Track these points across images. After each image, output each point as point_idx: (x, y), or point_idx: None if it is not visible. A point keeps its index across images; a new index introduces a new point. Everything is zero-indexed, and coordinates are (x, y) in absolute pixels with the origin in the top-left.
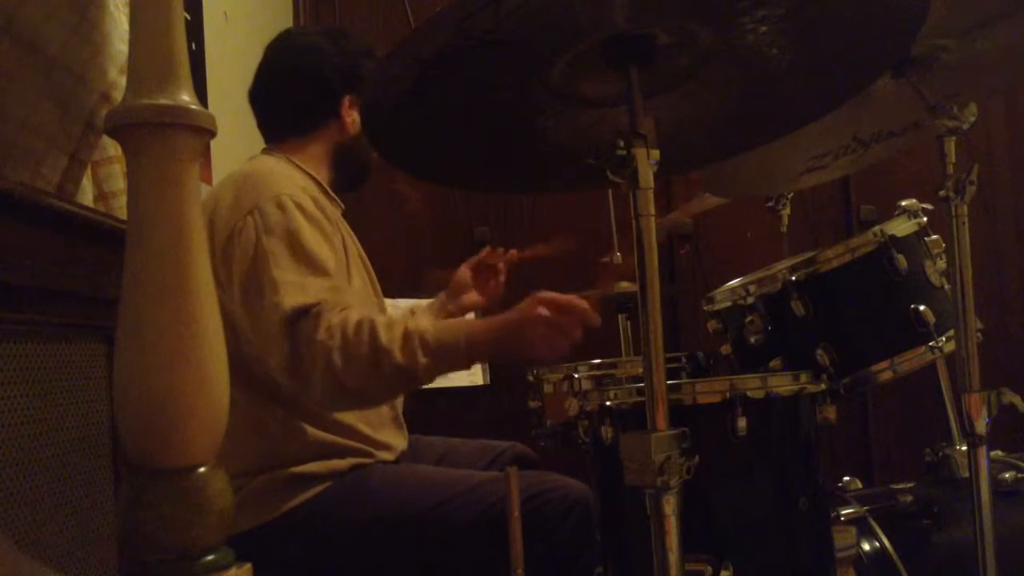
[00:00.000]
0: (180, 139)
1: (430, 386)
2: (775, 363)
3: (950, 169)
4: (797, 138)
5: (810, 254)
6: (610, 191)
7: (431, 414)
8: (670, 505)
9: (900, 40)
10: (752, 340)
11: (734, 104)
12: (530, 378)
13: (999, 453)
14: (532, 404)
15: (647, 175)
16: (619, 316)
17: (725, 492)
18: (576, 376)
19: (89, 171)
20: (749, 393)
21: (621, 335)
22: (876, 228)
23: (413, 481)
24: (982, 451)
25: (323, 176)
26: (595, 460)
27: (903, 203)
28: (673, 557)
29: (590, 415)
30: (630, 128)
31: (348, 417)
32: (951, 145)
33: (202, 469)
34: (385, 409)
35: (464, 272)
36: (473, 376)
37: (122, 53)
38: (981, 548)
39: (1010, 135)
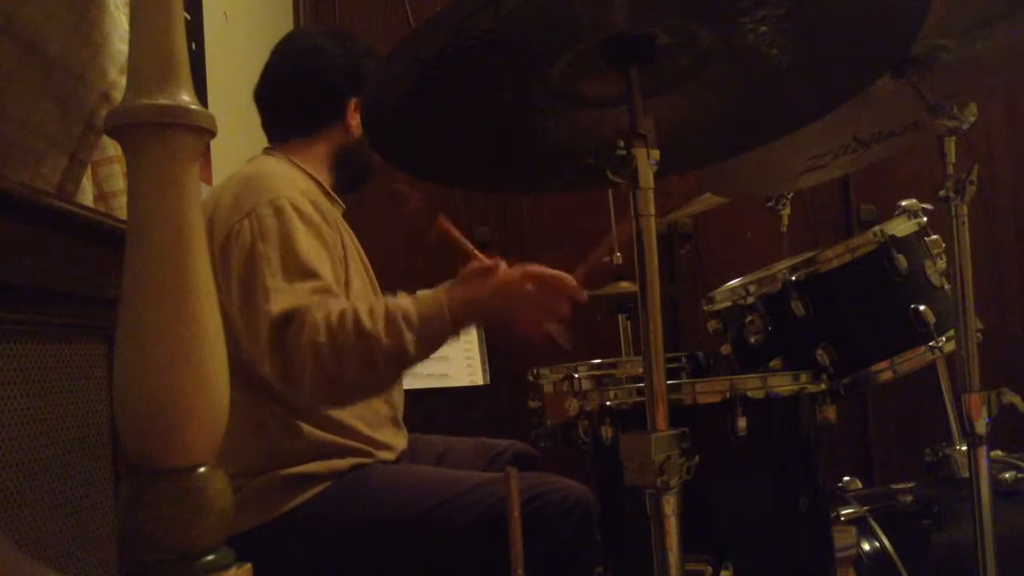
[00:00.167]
0: (180, 139)
1: (430, 386)
2: (775, 363)
3: (950, 169)
4: (797, 138)
5: (810, 254)
6: (610, 191)
7: (431, 414)
8: (670, 505)
9: (900, 40)
10: (752, 340)
11: (734, 104)
12: (530, 378)
13: (999, 453)
14: (532, 404)
15: (647, 175)
16: (619, 316)
17: (725, 492)
18: (576, 376)
19: (89, 171)
20: (749, 393)
21: (621, 335)
22: (876, 228)
23: (413, 481)
24: (982, 451)
25: (324, 177)
26: (595, 460)
27: (903, 203)
28: (673, 557)
29: (590, 415)
30: (630, 128)
31: (347, 417)
32: (951, 145)
33: (202, 469)
34: (384, 409)
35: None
36: (473, 376)
37: (122, 53)
38: (981, 548)
39: (1010, 135)
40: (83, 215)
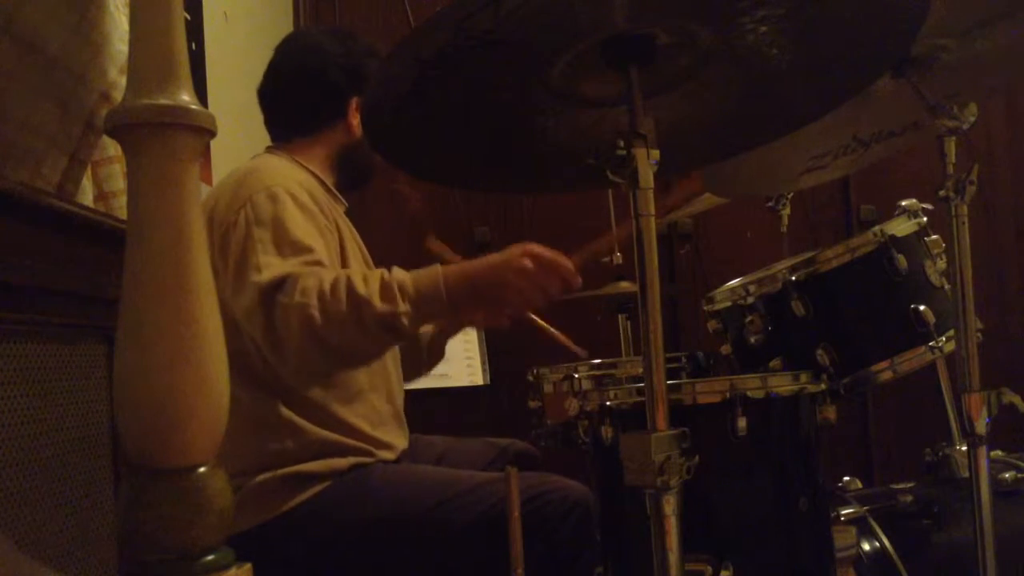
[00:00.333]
0: (180, 139)
1: (430, 386)
2: (775, 363)
3: (950, 169)
4: (797, 138)
5: (810, 254)
6: (610, 191)
7: (431, 414)
8: (670, 505)
9: (900, 40)
10: (752, 340)
11: (734, 104)
12: (530, 378)
13: (999, 453)
14: (532, 404)
15: (647, 175)
16: (619, 316)
17: (725, 492)
18: (576, 376)
19: (89, 171)
20: (749, 393)
21: (621, 335)
22: (876, 228)
23: (413, 481)
24: (982, 451)
25: (326, 176)
26: (595, 460)
27: (903, 203)
28: (673, 557)
29: (590, 415)
30: (630, 128)
31: (349, 415)
32: (951, 145)
33: (202, 469)
34: (386, 407)
35: None
36: (473, 376)
37: (122, 53)
38: (981, 548)
39: (1010, 135)
40: (83, 215)
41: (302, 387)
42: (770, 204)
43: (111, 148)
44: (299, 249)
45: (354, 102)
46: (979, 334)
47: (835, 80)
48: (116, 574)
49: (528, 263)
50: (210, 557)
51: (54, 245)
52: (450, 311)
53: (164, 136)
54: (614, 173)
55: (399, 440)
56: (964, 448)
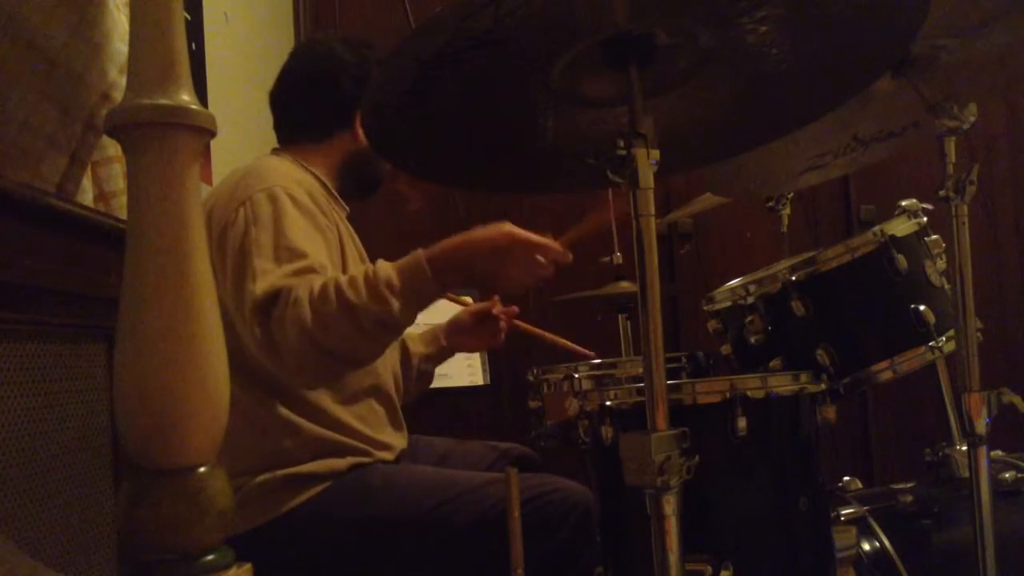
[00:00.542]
0: (180, 139)
1: (430, 386)
2: (775, 363)
3: (950, 169)
4: (797, 138)
5: (810, 254)
6: (610, 191)
7: (431, 414)
8: (670, 505)
9: (900, 40)
10: (752, 340)
11: (734, 104)
12: (530, 378)
13: (999, 453)
14: (532, 404)
15: (647, 175)
16: (619, 316)
17: (725, 492)
18: (576, 376)
19: (89, 171)
20: (749, 393)
21: (621, 335)
22: (876, 228)
23: (413, 482)
24: (982, 451)
25: (330, 181)
26: (595, 460)
27: (903, 203)
28: (673, 557)
29: (590, 415)
30: (630, 128)
31: (347, 416)
32: (951, 145)
33: (202, 469)
34: (383, 408)
35: (465, 317)
36: (473, 376)
37: (122, 53)
38: (981, 548)
39: (1010, 135)
40: (83, 215)
41: (309, 390)
42: (770, 204)
43: (111, 148)
44: (294, 255)
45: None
46: (979, 334)
47: (835, 80)
48: (116, 574)
49: (517, 250)
50: (210, 557)
51: (54, 245)
52: (441, 292)
53: (164, 136)
54: (614, 173)
55: (397, 441)
56: (964, 448)
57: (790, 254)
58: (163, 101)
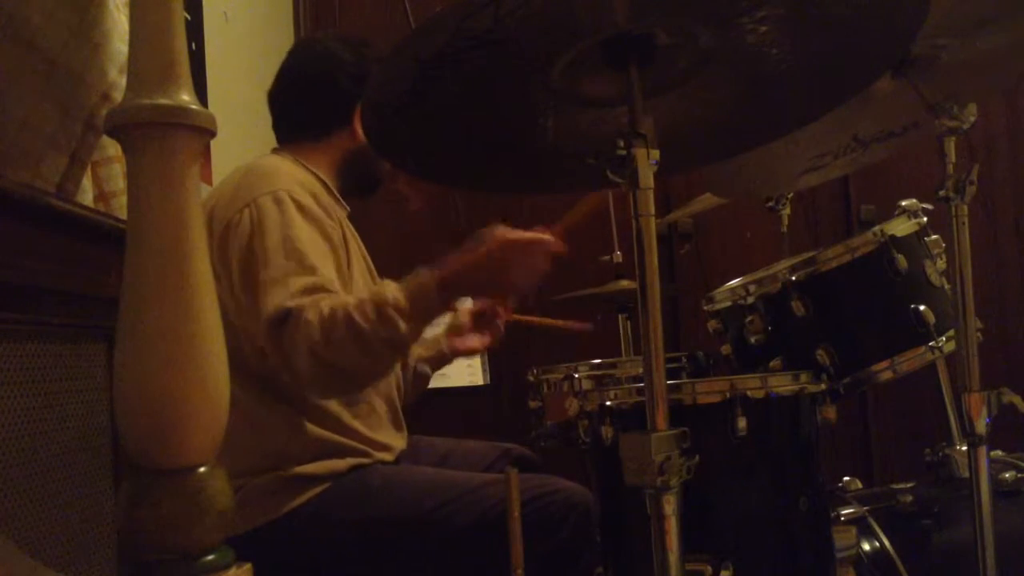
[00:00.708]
0: (180, 139)
1: (430, 386)
2: (775, 363)
3: (950, 169)
4: (797, 138)
5: (810, 254)
6: (610, 191)
7: (431, 414)
8: (670, 505)
9: (900, 40)
10: (752, 340)
11: (734, 104)
12: (530, 378)
13: (999, 453)
14: (532, 404)
15: (647, 175)
16: (619, 316)
17: (725, 492)
18: (576, 376)
19: (89, 171)
20: (749, 393)
21: (621, 335)
22: (876, 228)
23: (413, 483)
24: (982, 451)
25: (331, 180)
26: (595, 460)
27: (903, 203)
28: (673, 557)
29: (590, 415)
30: (630, 128)
31: (347, 417)
32: (951, 145)
33: (202, 469)
34: (383, 409)
35: (463, 319)
36: (473, 376)
37: (122, 53)
38: (981, 548)
39: (1010, 135)
40: (83, 215)
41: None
42: (770, 204)
43: (111, 148)
44: (304, 268)
45: (360, 109)
46: (979, 334)
47: (835, 80)
48: (116, 574)
49: (513, 252)
50: (210, 557)
51: (54, 245)
52: (445, 311)
53: (164, 136)
54: (614, 173)
55: (397, 441)
56: (964, 448)
57: (790, 254)
58: (163, 101)
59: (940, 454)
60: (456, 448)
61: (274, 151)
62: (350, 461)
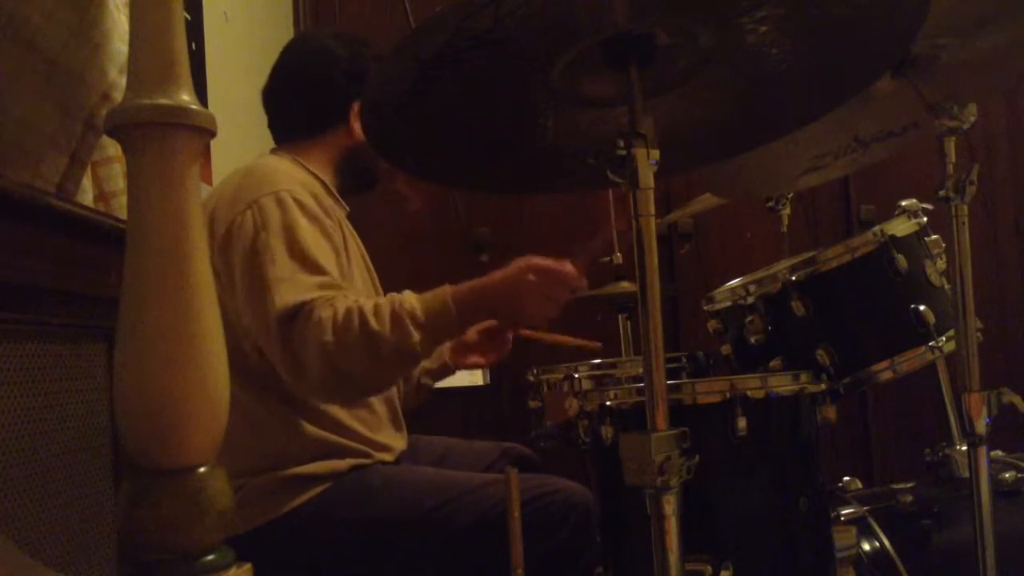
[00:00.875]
0: (180, 139)
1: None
2: (775, 363)
3: (950, 169)
4: (797, 138)
5: (810, 254)
6: (610, 191)
7: (431, 414)
8: (670, 505)
9: (900, 40)
10: (752, 340)
11: (734, 104)
12: (530, 378)
13: (999, 453)
14: (532, 404)
15: (647, 175)
16: (619, 316)
17: (725, 492)
18: (576, 376)
19: (89, 171)
20: (749, 393)
21: (621, 335)
22: (876, 228)
23: (413, 483)
24: (982, 451)
25: (329, 179)
26: (595, 460)
27: (903, 203)
28: (673, 557)
29: (590, 415)
30: (630, 128)
31: (347, 418)
32: (951, 145)
33: (202, 469)
34: (383, 410)
35: (472, 333)
36: (473, 376)
37: (122, 53)
38: (981, 548)
39: (1010, 135)
40: (83, 215)
41: (326, 404)
42: (770, 204)
43: (111, 148)
44: (313, 268)
45: (356, 106)
46: (979, 334)
47: (835, 80)
48: (116, 574)
49: (533, 278)
50: (210, 557)
51: (54, 245)
52: (461, 332)
53: (164, 136)
54: (614, 173)
55: (397, 442)
56: (964, 448)
57: (790, 254)
58: (163, 101)
59: (940, 454)
60: (456, 447)
61: (273, 151)
62: (350, 461)
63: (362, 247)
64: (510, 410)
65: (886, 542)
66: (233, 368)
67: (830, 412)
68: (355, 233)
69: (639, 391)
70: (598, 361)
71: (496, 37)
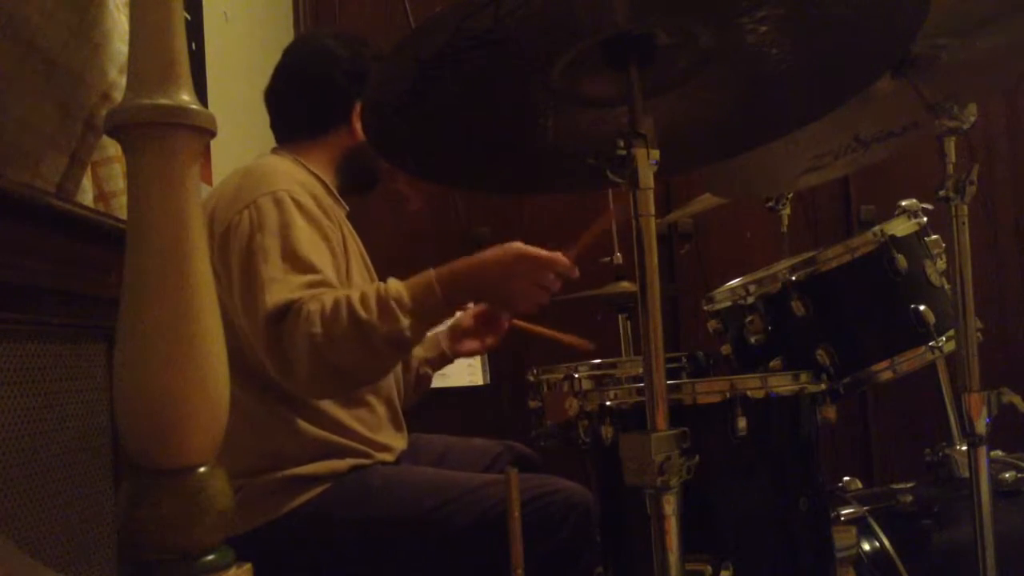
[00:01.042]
0: (180, 139)
1: (429, 388)
2: (775, 363)
3: (950, 169)
4: (797, 138)
5: (810, 254)
6: (610, 191)
7: (431, 414)
8: (670, 505)
9: (900, 40)
10: (752, 340)
11: (734, 104)
12: (530, 378)
13: (999, 453)
14: (532, 404)
15: (647, 175)
16: (619, 316)
17: (725, 492)
18: (576, 376)
19: (89, 171)
20: (749, 393)
21: (621, 335)
22: (876, 228)
23: (413, 483)
24: (982, 451)
25: (330, 179)
26: (595, 460)
27: (903, 203)
28: (673, 557)
29: (590, 415)
30: (630, 128)
31: (346, 418)
32: (951, 145)
33: (202, 469)
34: (383, 410)
35: (466, 320)
36: (473, 376)
37: (122, 53)
38: (981, 548)
39: (1010, 135)
40: (83, 215)
41: (316, 400)
42: (770, 204)
43: (111, 148)
44: (305, 267)
45: (358, 106)
46: (979, 334)
47: (835, 80)
48: (116, 574)
49: (524, 265)
50: (210, 557)
51: (54, 245)
52: (450, 312)
53: (164, 136)
54: (614, 173)
55: (397, 442)
56: (964, 448)
57: (790, 254)
58: (163, 101)
59: (940, 454)
60: (456, 445)
61: (273, 151)
62: (350, 461)
63: (362, 247)
64: (510, 410)
65: (886, 542)
66: (233, 368)
67: (830, 412)
68: (355, 233)
69: (639, 391)
70: (598, 361)
71: (496, 37)
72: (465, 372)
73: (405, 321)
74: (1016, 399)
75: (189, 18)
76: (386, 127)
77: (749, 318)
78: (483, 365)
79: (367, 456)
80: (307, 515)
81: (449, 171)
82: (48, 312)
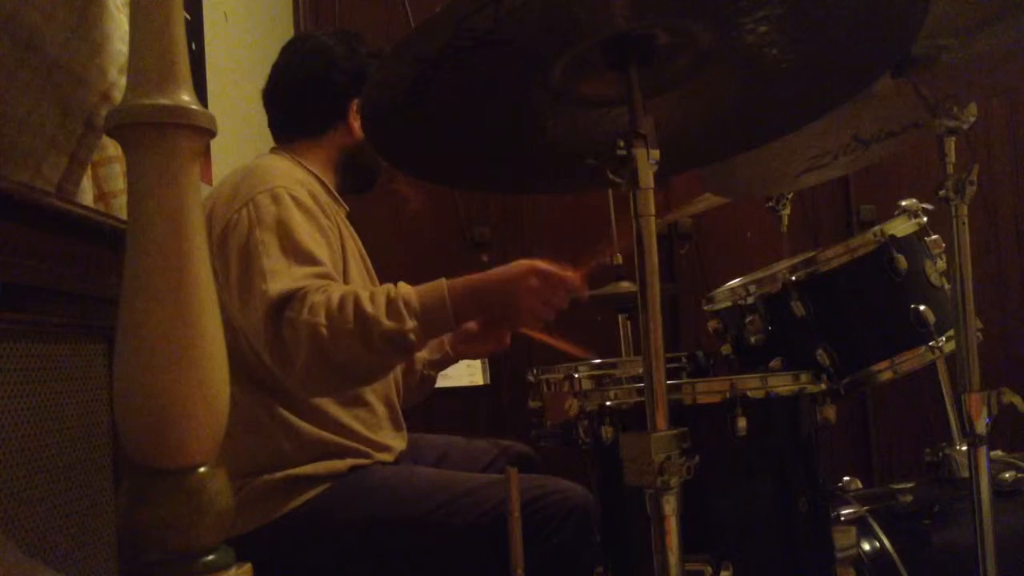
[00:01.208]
0: (180, 139)
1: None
2: (775, 363)
3: (950, 169)
4: (797, 138)
5: (810, 254)
6: (610, 191)
7: (431, 414)
8: (670, 505)
9: (900, 40)
10: (752, 340)
11: (734, 104)
12: (530, 378)
13: (999, 453)
14: (532, 404)
15: (647, 175)
16: (619, 316)
17: (725, 492)
18: (576, 376)
19: (89, 171)
20: (749, 393)
21: (621, 335)
22: (876, 228)
23: (413, 483)
24: (982, 451)
25: (329, 178)
26: (595, 460)
27: (903, 203)
28: (673, 557)
29: (590, 415)
30: (630, 128)
31: (346, 417)
32: (951, 145)
33: (202, 469)
34: (383, 410)
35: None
36: (473, 376)
37: (122, 53)
38: (981, 548)
39: (1010, 135)
40: (83, 215)
41: (309, 398)
42: (770, 204)
43: (111, 148)
44: (307, 259)
45: (354, 104)
46: (979, 334)
47: (835, 80)
48: (116, 574)
49: (535, 282)
50: (210, 557)
51: (54, 245)
52: (456, 326)
53: (164, 136)
54: (614, 173)
55: (397, 442)
56: (964, 448)
57: (790, 254)
58: (163, 101)
59: (940, 454)
60: (456, 445)
61: (272, 151)
62: (350, 462)
63: (361, 246)
64: (510, 410)
65: (886, 542)
66: (233, 368)
67: (830, 412)
68: (354, 232)
69: (639, 391)
70: (598, 361)
71: (496, 37)
72: (465, 372)
73: (411, 324)
74: (1016, 399)
75: (189, 18)
76: (386, 127)
77: (749, 318)
78: (483, 365)
79: (367, 456)
80: (307, 515)
81: (449, 171)
82: (48, 312)
